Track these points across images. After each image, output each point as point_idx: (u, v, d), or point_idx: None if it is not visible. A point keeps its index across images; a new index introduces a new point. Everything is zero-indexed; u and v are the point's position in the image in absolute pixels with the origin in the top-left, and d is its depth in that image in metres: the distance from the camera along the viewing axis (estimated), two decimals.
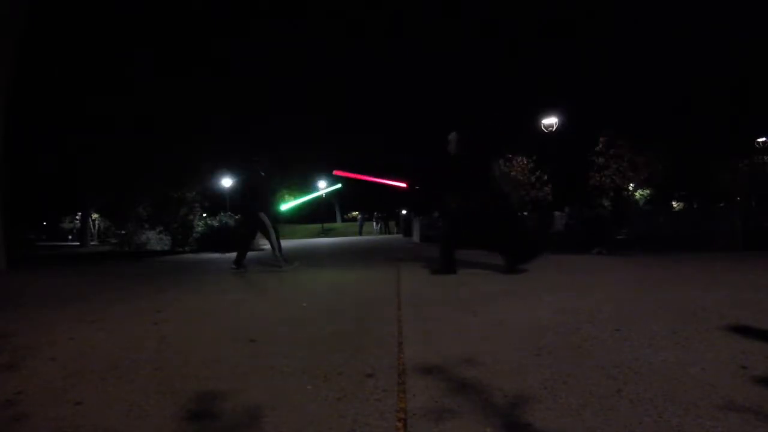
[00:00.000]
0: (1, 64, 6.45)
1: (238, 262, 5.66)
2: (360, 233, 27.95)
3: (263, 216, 5.71)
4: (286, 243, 6.21)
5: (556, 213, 10.65)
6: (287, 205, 6.88)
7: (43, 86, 12.34)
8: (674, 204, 26.81)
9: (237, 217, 11.04)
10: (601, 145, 23.58)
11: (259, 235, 6.65)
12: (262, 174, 5.94)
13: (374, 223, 31.70)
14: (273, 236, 5.72)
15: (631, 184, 24.51)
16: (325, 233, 28.29)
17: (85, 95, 12.82)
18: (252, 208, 5.86)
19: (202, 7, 17.09)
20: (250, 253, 6.14)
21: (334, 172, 6.16)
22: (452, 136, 4.89)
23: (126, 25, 13.54)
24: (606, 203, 21.28)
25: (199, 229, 12.04)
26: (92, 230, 24.29)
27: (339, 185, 6.83)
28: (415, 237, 15.47)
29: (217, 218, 12.10)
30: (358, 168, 6.55)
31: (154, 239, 12.13)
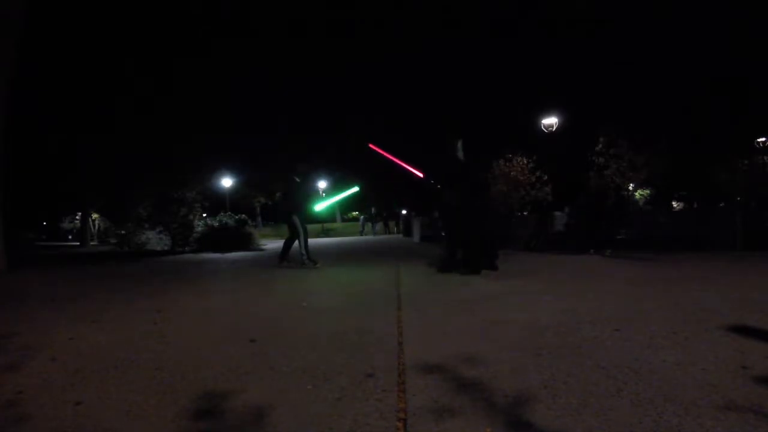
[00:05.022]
0: (1, 64, 6.45)
1: (282, 257, 6.34)
2: (361, 233, 27.92)
3: (295, 218, 6.16)
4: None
5: (556, 213, 10.61)
6: (320, 205, 7.02)
7: (43, 86, 12.33)
8: (674, 204, 26.79)
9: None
10: (601, 145, 23.55)
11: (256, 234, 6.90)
12: (297, 180, 6.38)
13: (372, 224, 30.46)
14: (302, 237, 6.14)
15: (631, 184, 24.48)
16: (326, 233, 28.25)
17: (85, 95, 12.81)
18: (285, 211, 6.35)
19: (202, 7, 17.05)
20: (250, 253, 6.19)
21: (369, 145, 6.18)
22: (459, 143, 5.14)
23: (126, 24, 13.54)
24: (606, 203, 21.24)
25: (199, 229, 12.03)
26: (92, 230, 24.24)
27: (356, 188, 6.86)
28: (415, 237, 15.46)
29: (217, 218, 12.09)
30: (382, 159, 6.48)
31: (154, 239, 12.09)
